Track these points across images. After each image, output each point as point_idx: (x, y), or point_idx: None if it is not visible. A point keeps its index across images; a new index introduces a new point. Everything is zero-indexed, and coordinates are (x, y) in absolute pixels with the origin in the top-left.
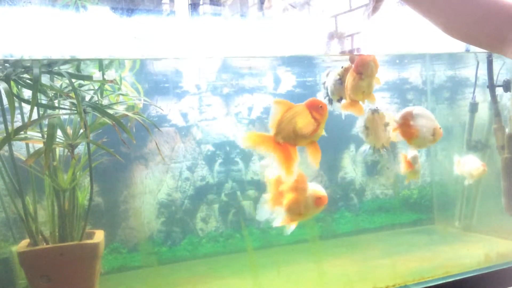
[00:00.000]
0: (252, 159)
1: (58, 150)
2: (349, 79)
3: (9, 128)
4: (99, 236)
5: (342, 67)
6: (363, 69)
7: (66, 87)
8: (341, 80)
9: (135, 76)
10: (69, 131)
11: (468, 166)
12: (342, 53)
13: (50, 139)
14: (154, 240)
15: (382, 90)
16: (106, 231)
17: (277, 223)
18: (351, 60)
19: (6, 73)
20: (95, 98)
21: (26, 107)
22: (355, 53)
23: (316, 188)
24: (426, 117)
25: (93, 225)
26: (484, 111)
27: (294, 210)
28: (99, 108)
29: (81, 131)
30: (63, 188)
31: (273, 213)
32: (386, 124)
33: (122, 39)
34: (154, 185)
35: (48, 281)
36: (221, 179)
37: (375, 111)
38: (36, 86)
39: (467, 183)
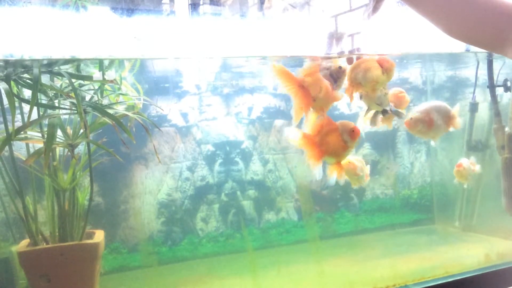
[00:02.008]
0: (252, 159)
1: (58, 150)
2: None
3: (10, 128)
4: (99, 236)
5: (340, 67)
6: (387, 70)
7: (66, 87)
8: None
9: (135, 76)
10: (69, 131)
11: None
12: (341, 53)
13: (50, 139)
14: (154, 240)
15: None
16: (106, 231)
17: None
18: (349, 62)
19: (7, 73)
20: (95, 98)
21: (26, 107)
22: (355, 53)
23: (343, 123)
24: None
25: (93, 225)
26: (484, 111)
27: (336, 152)
28: (99, 108)
29: (81, 131)
30: (63, 188)
31: (322, 165)
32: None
33: (122, 39)
34: (154, 185)
35: (48, 281)
36: (221, 179)
37: None
38: (35, 86)
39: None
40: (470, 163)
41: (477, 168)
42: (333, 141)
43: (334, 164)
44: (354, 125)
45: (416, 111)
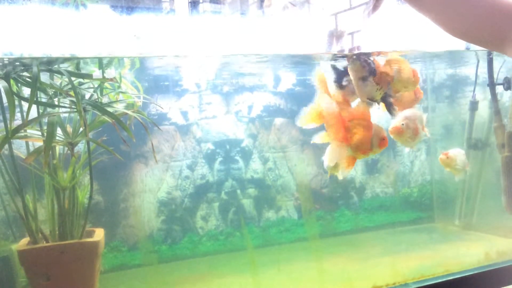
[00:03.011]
0: (252, 158)
1: (58, 149)
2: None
3: (9, 126)
4: (99, 234)
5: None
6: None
7: (65, 85)
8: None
9: (135, 74)
10: (69, 129)
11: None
12: (341, 51)
13: (49, 137)
14: (154, 239)
15: None
16: (106, 230)
17: (335, 160)
18: (349, 60)
19: (6, 71)
20: (95, 96)
21: (26, 105)
22: (355, 51)
23: (378, 128)
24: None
25: (93, 223)
26: (484, 110)
27: (361, 148)
28: (99, 106)
29: (81, 129)
30: (63, 186)
31: (341, 152)
32: (364, 78)
33: (122, 37)
34: (154, 183)
35: (48, 280)
36: (221, 177)
37: (353, 61)
38: (35, 84)
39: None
40: (459, 156)
41: (466, 163)
42: (362, 136)
43: (348, 156)
44: (385, 136)
45: (403, 116)
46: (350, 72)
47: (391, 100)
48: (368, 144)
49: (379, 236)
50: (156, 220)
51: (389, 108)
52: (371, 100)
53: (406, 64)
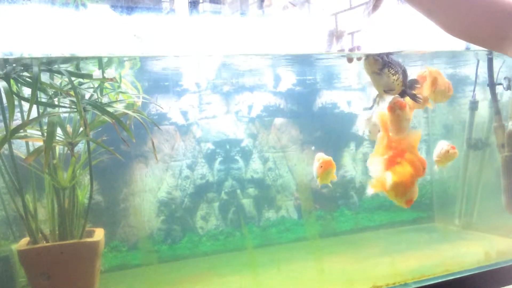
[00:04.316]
0: (252, 157)
1: (58, 148)
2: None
3: (9, 126)
4: (99, 234)
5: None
6: None
7: (65, 85)
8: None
9: (135, 74)
10: (69, 129)
11: (436, 150)
12: (341, 51)
13: (50, 137)
14: (154, 238)
15: None
16: (106, 229)
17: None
18: (349, 60)
19: (6, 72)
20: (95, 96)
21: (26, 105)
22: (355, 51)
23: (416, 190)
24: None
25: (93, 223)
26: (484, 109)
27: (395, 190)
28: (99, 106)
29: (81, 129)
30: (63, 186)
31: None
32: (379, 71)
33: (122, 37)
34: (154, 183)
35: (48, 279)
36: (221, 177)
37: (366, 57)
38: (35, 84)
39: (436, 169)
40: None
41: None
42: (402, 177)
43: (380, 178)
44: (415, 198)
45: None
46: (364, 68)
47: (413, 91)
48: (402, 194)
49: (379, 235)
50: (156, 220)
51: (413, 97)
52: (389, 91)
53: (444, 78)
